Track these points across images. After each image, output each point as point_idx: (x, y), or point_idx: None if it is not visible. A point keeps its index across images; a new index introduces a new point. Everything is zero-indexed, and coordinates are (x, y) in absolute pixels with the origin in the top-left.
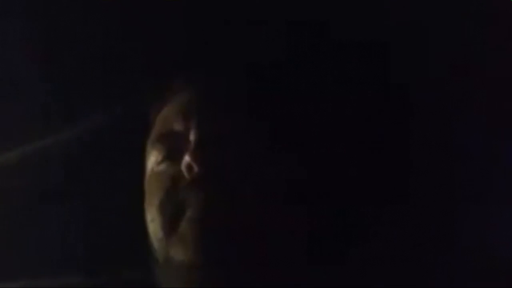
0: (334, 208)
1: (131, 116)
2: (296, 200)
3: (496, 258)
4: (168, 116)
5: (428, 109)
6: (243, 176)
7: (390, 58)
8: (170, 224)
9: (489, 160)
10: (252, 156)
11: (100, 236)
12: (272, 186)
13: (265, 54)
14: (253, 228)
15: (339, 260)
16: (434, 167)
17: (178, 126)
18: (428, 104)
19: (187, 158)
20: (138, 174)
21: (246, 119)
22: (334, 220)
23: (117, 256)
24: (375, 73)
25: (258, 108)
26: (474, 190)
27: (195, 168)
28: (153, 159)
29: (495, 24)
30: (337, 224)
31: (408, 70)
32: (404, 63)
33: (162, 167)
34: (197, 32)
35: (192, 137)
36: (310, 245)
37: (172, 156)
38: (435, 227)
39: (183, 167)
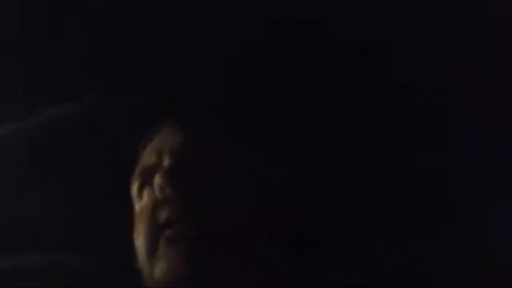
0: (316, 214)
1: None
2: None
3: (497, 258)
4: (148, 152)
5: (427, 109)
6: (211, 194)
7: (390, 58)
8: (153, 246)
9: (489, 160)
10: (220, 175)
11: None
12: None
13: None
14: (226, 240)
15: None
16: (433, 167)
17: (155, 160)
18: (427, 104)
19: (158, 180)
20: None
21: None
22: (316, 226)
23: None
24: (372, 73)
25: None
26: (474, 190)
27: (166, 189)
28: (136, 193)
29: (495, 24)
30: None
31: (407, 70)
32: (404, 63)
33: (144, 199)
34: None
35: (164, 164)
36: (287, 257)
37: (150, 186)
38: (435, 227)
39: (156, 190)
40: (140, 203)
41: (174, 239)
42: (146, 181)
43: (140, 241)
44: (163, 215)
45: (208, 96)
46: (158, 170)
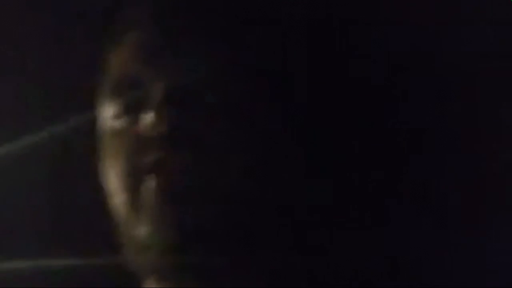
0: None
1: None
2: (287, 171)
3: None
4: (125, 59)
5: (425, 110)
6: (220, 139)
7: (389, 57)
8: (134, 197)
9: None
10: (233, 116)
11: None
12: (256, 154)
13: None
14: (231, 202)
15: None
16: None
17: (139, 72)
18: (425, 105)
19: (150, 115)
20: None
21: (226, 68)
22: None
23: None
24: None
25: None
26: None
27: (161, 128)
28: (109, 113)
29: (495, 24)
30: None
31: (407, 70)
32: (404, 64)
33: (121, 123)
34: None
35: (157, 86)
36: (298, 226)
37: (132, 109)
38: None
39: (146, 125)
40: (113, 123)
41: (165, 193)
42: (128, 102)
43: (115, 187)
44: (151, 159)
45: None
46: (148, 93)
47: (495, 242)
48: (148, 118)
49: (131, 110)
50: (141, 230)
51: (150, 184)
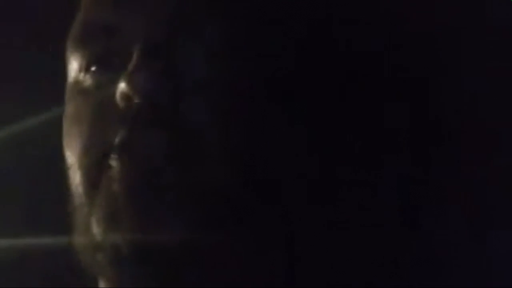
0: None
1: None
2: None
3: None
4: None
5: (425, 109)
6: (202, 120)
7: (389, 56)
8: (90, 182)
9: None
10: (223, 96)
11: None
12: (244, 143)
13: None
14: (212, 197)
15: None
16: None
17: (113, 18)
18: (425, 104)
19: (121, 80)
20: None
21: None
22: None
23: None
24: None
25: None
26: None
27: (133, 98)
28: (75, 65)
29: (495, 25)
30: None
31: (405, 71)
32: (404, 63)
33: (89, 79)
34: None
35: (133, 39)
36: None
37: (103, 64)
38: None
39: (117, 94)
40: (80, 77)
41: (132, 181)
42: (99, 54)
43: (74, 159)
44: (121, 134)
45: None
46: (123, 49)
47: (495, 242)
48: (118, 83)
49: (100, 64)
50: (95, 227)
51: (111, 168)
